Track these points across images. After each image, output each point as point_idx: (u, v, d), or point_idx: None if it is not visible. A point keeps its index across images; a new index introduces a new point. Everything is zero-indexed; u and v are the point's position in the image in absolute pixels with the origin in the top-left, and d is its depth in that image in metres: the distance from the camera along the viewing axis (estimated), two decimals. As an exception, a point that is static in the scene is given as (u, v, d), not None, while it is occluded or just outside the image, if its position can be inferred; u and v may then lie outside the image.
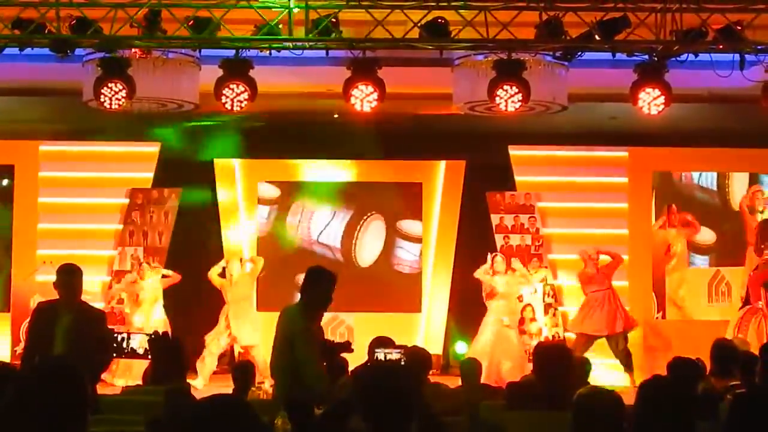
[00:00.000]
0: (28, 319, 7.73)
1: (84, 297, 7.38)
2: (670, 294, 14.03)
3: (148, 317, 12.87)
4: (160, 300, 13.04)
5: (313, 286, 6.74)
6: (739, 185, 14.18)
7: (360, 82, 9.25)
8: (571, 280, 13.58)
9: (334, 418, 4.33)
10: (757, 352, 7.37)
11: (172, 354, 6.75)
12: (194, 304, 13.17)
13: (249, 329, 12.77)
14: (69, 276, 7.16)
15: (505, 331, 12.58)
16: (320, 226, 14.69)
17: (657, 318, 14.02)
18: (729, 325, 12.82)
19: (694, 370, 6.93)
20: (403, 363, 5.89)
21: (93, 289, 12.64)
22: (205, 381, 12.38)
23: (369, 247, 14.69)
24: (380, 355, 6.00)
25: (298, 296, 6.85)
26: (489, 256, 12.97)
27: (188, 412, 3.22)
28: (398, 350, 5.93)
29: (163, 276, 13.15)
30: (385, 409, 3.83)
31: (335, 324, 14.62)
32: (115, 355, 9.53)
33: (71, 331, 6.84)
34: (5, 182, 14.12)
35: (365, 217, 14.70)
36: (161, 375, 6.81)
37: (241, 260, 13.14)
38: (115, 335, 10.11)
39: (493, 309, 12.68)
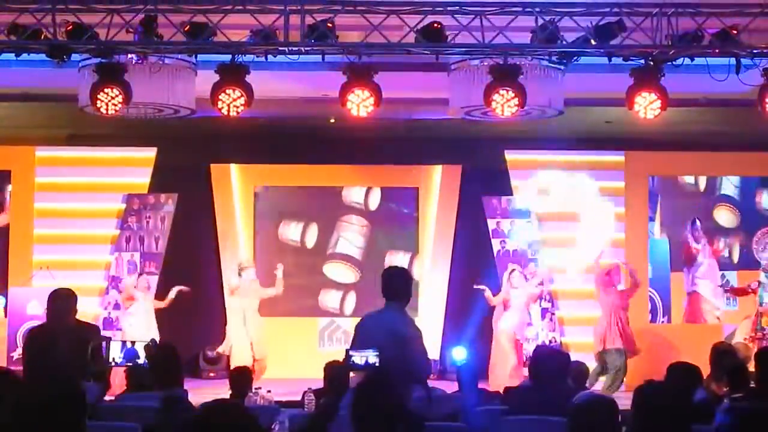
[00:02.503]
0: (22, 336, 7.76)
1: (79, 303, 7.39)
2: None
3: (143, 324, 12.86)
4: (152, 308, 13.03)
5: (405, 286, 6.76)
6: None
7: (356, 86, 9.23)
8: (567, 284, 13.59)
9: (321, 419, 4.35)
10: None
11: (168, 361, 6.73)
12: (190, 311, 13.13)
13: (261, 339, 12.81)
14: (59, 302, 7.19)
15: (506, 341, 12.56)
16: (348, 239, 14.97)
17: (663, 322, 14.03)
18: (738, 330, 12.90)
19: (692, 375, 6.92)
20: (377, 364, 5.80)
21: (88, 294, 12.60)
22: None
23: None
24: (357, 359, 5.88)
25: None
26: (506, 274, 12.86)
27: (187, 417, 3.22)
28: (375, 352, 5.83)
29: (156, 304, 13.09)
30: (371, 413, 3.87)
31: (331, 329, 14.64)
32: (113, 364, 9.50)
33: (69, 351, 6.87)
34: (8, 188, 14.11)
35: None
36: (157, 382, 6.79)
37: (240, 270, 13.04)
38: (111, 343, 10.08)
39: (507, 320, 12.62)
